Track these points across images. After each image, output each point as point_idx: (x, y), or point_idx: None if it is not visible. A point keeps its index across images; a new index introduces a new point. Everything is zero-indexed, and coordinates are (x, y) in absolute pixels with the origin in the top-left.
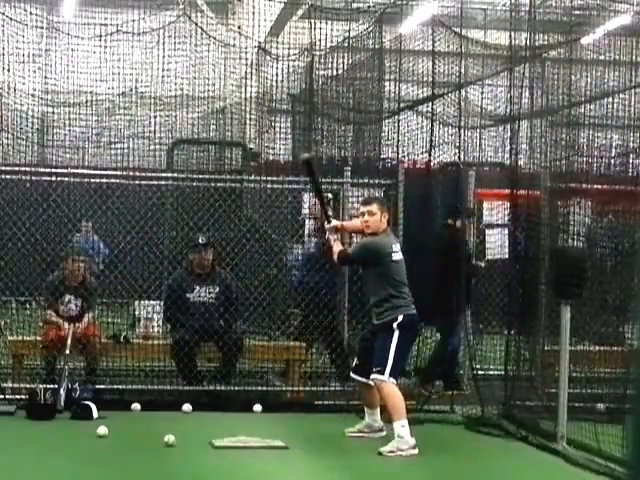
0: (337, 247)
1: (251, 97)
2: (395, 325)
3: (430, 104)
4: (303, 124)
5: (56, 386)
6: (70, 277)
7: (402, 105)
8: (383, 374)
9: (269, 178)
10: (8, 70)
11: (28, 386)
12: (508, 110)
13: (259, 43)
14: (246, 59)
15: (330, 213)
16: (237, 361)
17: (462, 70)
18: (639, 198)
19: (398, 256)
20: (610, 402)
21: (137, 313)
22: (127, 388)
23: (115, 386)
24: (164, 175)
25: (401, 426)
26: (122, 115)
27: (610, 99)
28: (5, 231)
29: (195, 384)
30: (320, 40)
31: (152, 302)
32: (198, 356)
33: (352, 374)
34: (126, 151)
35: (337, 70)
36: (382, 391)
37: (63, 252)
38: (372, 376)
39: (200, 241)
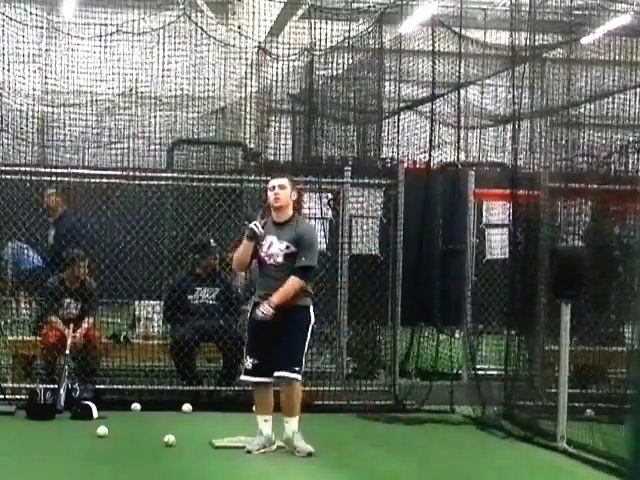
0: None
1: (251, 97)
2: (312, 311)
3: (430, 104)
4: (303, 124)
5: (56, 386)
6: (69, 280)
7: (402, 105)
8: (300, 373)
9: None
10: (8, 70)
11: (28, 386)
12: (508, 110)
13: (259, 43)
14: (246, 59)
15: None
16: (238, 361)
17: (462, 70)
18: (639, 198)
19: None
20: (609, 402)
21: (137, 313)
22: (127, 388)
23: (115, 386)
24: (164, 175)
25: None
26: (122, 115)
27: (610, 99)
28: (5, 231)
29: (195, 384)
30: (320, 40)
31: (152, 302)
32: (198, 356)
33: (247, 377)
34: (126, 151)
35: (337, 70)
36: (295, 390)
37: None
38: (288, 374)
39: (212, 244)
